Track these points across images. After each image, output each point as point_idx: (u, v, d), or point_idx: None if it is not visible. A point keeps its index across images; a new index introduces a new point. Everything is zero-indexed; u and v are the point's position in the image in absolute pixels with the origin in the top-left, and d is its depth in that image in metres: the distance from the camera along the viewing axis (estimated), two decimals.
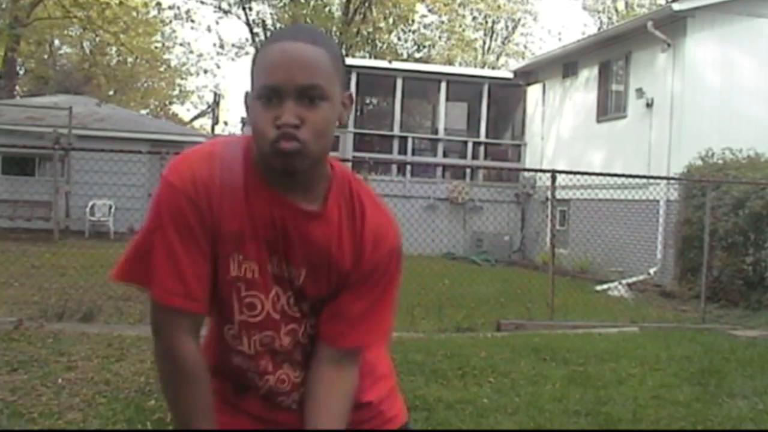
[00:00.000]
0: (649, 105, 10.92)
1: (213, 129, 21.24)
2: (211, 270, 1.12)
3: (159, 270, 1.10)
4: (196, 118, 29.57)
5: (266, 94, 1.06)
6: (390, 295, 1.20)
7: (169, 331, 1.12)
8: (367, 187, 1.21)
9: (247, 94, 1.12)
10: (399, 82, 15.01)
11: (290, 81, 1.04)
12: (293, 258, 1.14)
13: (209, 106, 25.67)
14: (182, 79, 28.92)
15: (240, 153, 1.13)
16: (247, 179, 1.12)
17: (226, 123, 27.92)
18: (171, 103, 29.95)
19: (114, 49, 22.80)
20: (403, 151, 14.89)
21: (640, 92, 11.08)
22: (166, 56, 26.88)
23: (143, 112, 26.16)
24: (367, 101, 21.69)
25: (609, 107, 12.29)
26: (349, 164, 13.92)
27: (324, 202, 1.14)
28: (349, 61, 18.05)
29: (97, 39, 20.87)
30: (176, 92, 29.71)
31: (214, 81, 44.85)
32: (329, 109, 1.08)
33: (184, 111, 33.11)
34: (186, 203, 1.09)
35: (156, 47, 24.75)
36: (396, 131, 15.11)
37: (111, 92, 25.28)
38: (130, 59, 23.70)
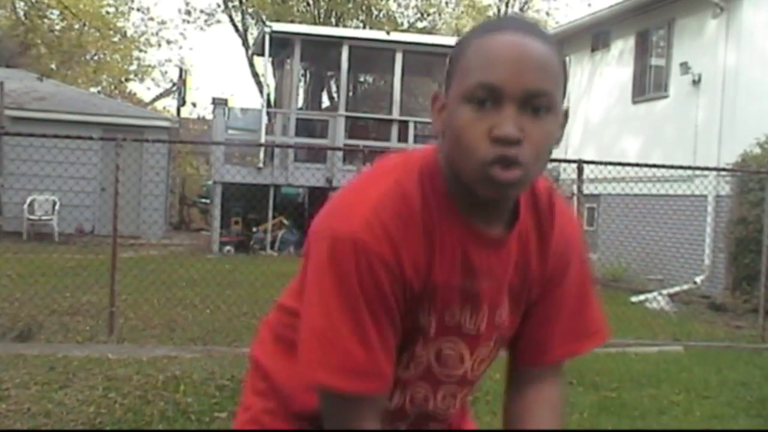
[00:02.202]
0: (695, 82, 10.90)
1: (179, 111, 21.26)
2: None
3: (344, 349, 1.02)
4: (158, 98, 29.49)
5: (480, 95, 0.99)
6: (589, 287, 1.23)
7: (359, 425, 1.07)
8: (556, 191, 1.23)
9: (436, 96, 1.08)
10: (398, 57, 14.99)
11: (518, 81, 0.98)
12: (498, 299, 1.15)
13: (174, 84, 25.61)
14: (141, 51, 28.85)
15: (421, 179, 1.08)
16: (448, 214, 1.08)
17: (194, 104, 27.89)
18: (127, 80, 29.83)
19: (56, 13, 22.66)
20: (403, 138, 14.86)
21: (685, 67, 11.05)
22: (120, 23, 26.82)
23: (94, 90, 26.06)
24: (361, 79, 21.68)
25: (647, 85, 12.28)
26: (340, 153, 13.97)
27: (512, 221, 1.13)
28: (339, 31, 18.12)
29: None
30: (134, 67, 29.62)
31: (179, 54, 44.79)
32: (554, 125, 1.03)
33: (143, 90, 33.16)
34: (381, 268, 1.02)
35: (108, 12, 24.70)
36: (395, 115, 15.09)
37: (54, 65, 25.18)
38: (76, 25, 23.59)
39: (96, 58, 28.07)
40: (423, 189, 1.07)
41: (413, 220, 1.05)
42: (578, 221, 1.25)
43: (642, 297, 9.65)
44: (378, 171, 1.10)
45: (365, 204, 1.03)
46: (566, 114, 1.10)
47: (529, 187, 1.13)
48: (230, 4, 24.15)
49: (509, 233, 1.12)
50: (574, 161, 7.41)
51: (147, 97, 30.49)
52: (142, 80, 30.48)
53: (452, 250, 1.08)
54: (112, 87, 28.95)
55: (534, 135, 1.00)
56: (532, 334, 1.20)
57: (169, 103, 29.25)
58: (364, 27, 23.83)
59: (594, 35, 13.68)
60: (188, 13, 26.58)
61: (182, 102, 21.21)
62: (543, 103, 1.00)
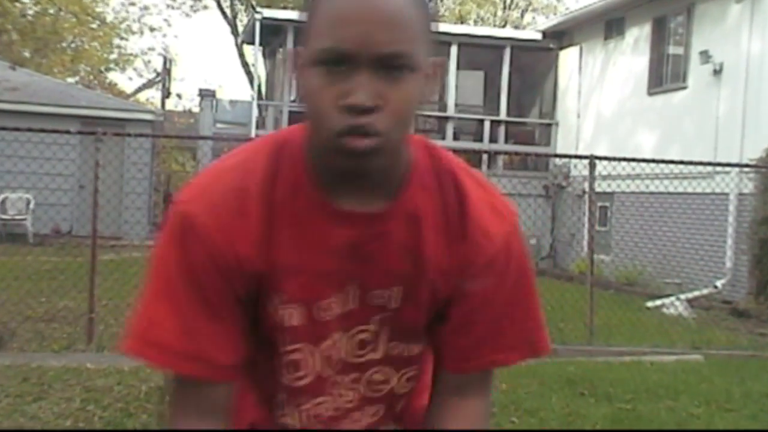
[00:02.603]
0: (717, 72, 10.90)
1: (163, 103, 21.21)
2: (244, 326, 1.09)
3: (160, 324, 1.07)
4: (140, 89, 29.46)
5: (330, 61, 0.97)
6: (524, 292, 1.16)
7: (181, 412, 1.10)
8: (468, 166, 1.16)
9: (295, 52, 1.05)
10: None
11: (369, 44, 0.96)
12: (373, 280, 1.10)
13: (158, 75, 25.60)
14: (122, 38, 28.82)
15: (276, 154, 1.08)
16: (296, 188, 1.07)
17: (179, 96, 27.84)
18: (108, 69, 29.78)
19: None
20: None
21: (705, 56, 11.05)
22: (99, 9, 26.76)
23: (71, 80, 26.02)
24: None
25: (664, 75, 12.28)
26: None
27: (393, 198, 1.08)
28: None
29: None
30: (114, 56, 29.58)
31: (163, 42, 44.70)
32: (416, 84, 1.00)
33: (125, 80, 33.13)
34: (201, 245, 1.04)
35: None
36: None
37: (27, 53, 25.12)
38: (51, 10, 23.53)
39: (73, 45, 27.98)
40: (274, 164, 1.07)
41: (251, 198, 1.05)
42: (512, 217, 1.15)
43: (658, 302, 9.65)
44: (240, 148, 1.12)
45: (204, 180, 1.08)
46: (441, 64, 1.08)
47: (431, 164, 1.11)
48: None
49: (385, 211, 1.07)
50: (585, 157, 7.41)
51: (129, 88, 30.46)
52: (123, 70, 30.39)
53: (303, 229, 1.06)
54: (91, 77, 28.88)
55: (392, 99, 0.97)
56: (454, 339, 1.15)
57: (153, 95, 29.22)
58: None
59: (607, 22, 13.68)
60: None
61: (167, 93, 21.18)
62: (400, 63, 0.98)
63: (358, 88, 0.96)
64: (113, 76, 30.95)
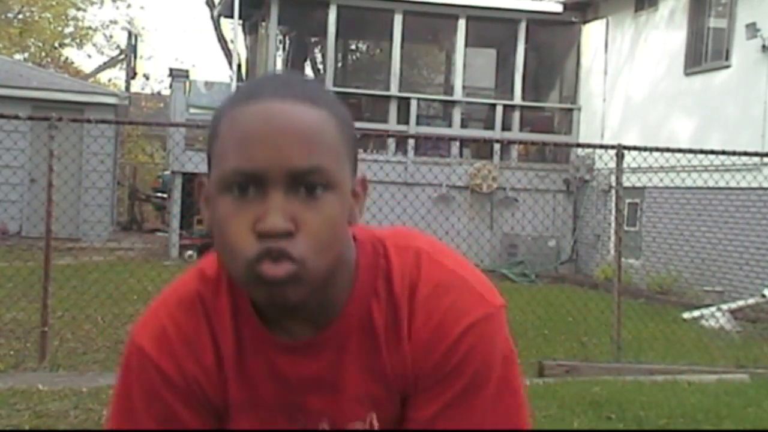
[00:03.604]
0: (765, 48, 10.88)
1: (128, 85, 21.19)
2: None
3: None
4: (101, 68, 29.41)
5: (238, 183, 1.00)
6: (484, 399, 1.13)
7: None
8: (436, 246, 1.18)
9: (201, 183, 1.11)
10: (398, 20, 14.96)
11: (278, 161, 0.99)
12: (344, 413, 1.15)
13: (122, 52, 25.57)
14: (78, 9, 28.74)
15: (225, 281, 1.16)
16: (240, 319, 1.15)
17: (146, 77, 27.90)
18: (62, 45, 29.66)
19: None
20: (403, 119, 14.84)
21: (752, 29, 11.02)
22: None
23: (19, 57, 25.91)
24: (353, 47, 21.64)
25: (704, 53, 12.26)
26: None
27: (340, 316, 1.12)
28: None
29: None
30: (70, 29, 29.49)
31: (127, 14, 44.66)
32: (337, 203, 1.04)
33: (83, 58, 32.99)
34: (158, 376, 1.14)
35: None
36: (393, 90, 15.08)
37: None
38: None
39: (21, 17, 27.90)
40: (215, 290, 1.15)
41: (199, 327, 1.14)
42: (484, 305, 1.13)
43: (697, 313, 9.64)
44: (185, 272, 1.22)
45: (155, 308, 1.19)
46: (364, 184, 1.12)
47: (378, 264, 1.14)
48: None
49: (318, 336, 1.12)
50: (612, 147, 7.39)
51: (88, 67, 30.39)
52: (80, 46, 30.26)
53: (252, 361, 1.13)
54: (43, 54, 28.71)
55: (309, 222, 1.00)
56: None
57: (116, 75, 29.17)
58: None
59: None
60: None
61: (132, 74, 21.16)
62: (317, 181, 1.01)
63: (270, 212, 0.99)
64: (69, 52, 30.79)
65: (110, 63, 28.88)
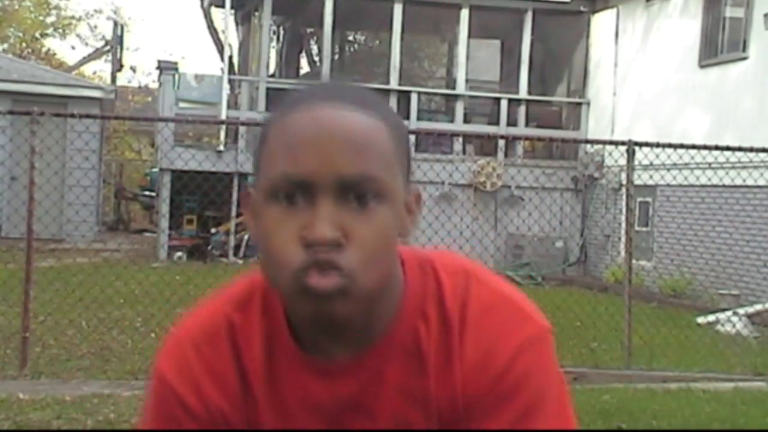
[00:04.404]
0: None
1: (114, 78, 21.17)
2: None
3: None
4: (86, 60, 29.38)
5: (286, 190, 1.02)
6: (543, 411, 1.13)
7: None
8: (481, 269, 1.18)
9: (248, 193, 1.12)
10: (398, 10, 14.96)
11: (328, 169, 1.00)
12: None
13: (107, 43, 25.56)
14: None
15: (257, 301, 1.17)
16: (271, 341, 1.15)
17: (133, 69, 27.86)
18: (44, 35, 29.68)
19: None
20: (403, 114, 14.80)
21: None
22: None
23: None
24: (350, 38, 21.65)
25: (720, 44, 12.27)
26: None
27: (384, 337, 1.13)
28: None
29: None
30: (52, 18, 29.49)
31: (112, 3, 44.62)
32: (390, 215, 1.04)
33: (66, 49, 32.92)
34: (179, 406, 1.15)
35: None
36: (393, 84, 15.09)
37: None
38: None
39: (0, 5, 27.89)
40: (246, 313, 1.16)
41: (224, 356, 1.15)
42: (533, 327, 1.14)
43: (712, 317, 9.66)
44: (213, 295, 1.21)
45: (176, 335, 1.19)
46: (418, 197, 1.13)
47: (428, 285, 1.15)
48: None
49: (357, 357, 1.12)
50: (622, 143, 7.39)
51: (71, 58, 30.36)
52: (63, 36, 30.30)
53: (285, 386, 1.14)
54: (24, 45, 28.72)
55: (360, 233, 1.01)
56: None
57: (102, 68, 29.17)
58: None
59: None
60: None
61: (118, 66, 21.13)
62: (368, 190, 1.01)
63: (319, 221, 0.99)
64: (51, 43, 30.79)
65: (95, 55, 28.85)
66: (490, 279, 1.17)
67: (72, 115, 8.45)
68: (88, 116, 8.85)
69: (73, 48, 41.27)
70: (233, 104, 14.98)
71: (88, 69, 29.51)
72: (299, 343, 1.13)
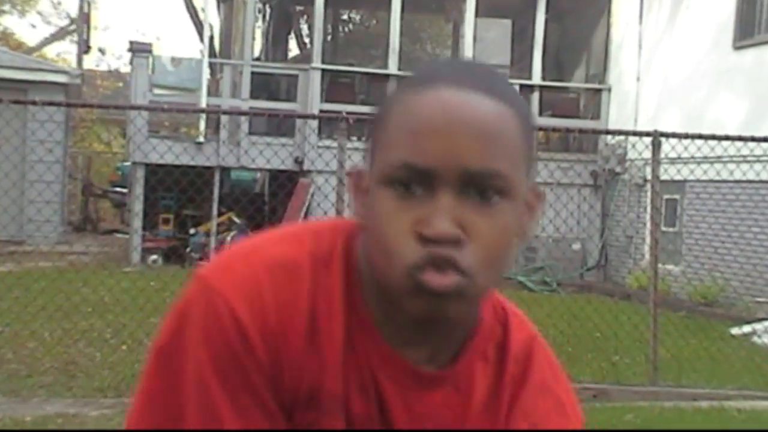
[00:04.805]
0: None
1: (80, 61, 21.13)
2: None
3: None
4: (49, 41, 29.40)
5: (405, 178, 1.03)
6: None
7: None
8: (542, 340, 1.25)
9: (359, 173, 1.13)
10: None
11: (453, 161, 1.02)
12: None
13: (72, 22, 25.53)
14: None
15: (339, 264, 1.13)
16: (349, 315, 1.12)
17: (102, 51, 27.85)
18: (0, 12, 29.70)
19: None
20: None
21: None
22: None
23: None
24: (344, 17, 21.64)
25: (757, 22, 12.27)
26: (315, 123, 13.90)
27: (454, 357, 1.16)
28: None
29: None
30: None
31: None
32: (512, 213, 1.06)
33: (25, 28, 32.88)
34: (245, 346, 1.07)
35: None
36: (392, 68, 15.12)
37: None
38: None
39: None
40: (347, 282, 1.12)
41: (300, 295, 1.09)
42: (578, 422, 1.26)
43: (747, 328, 9.69)
44: (277, 236, 1.16)
45: (246, 271, 1.10)
46: (539, 195, 1.14)
47: (497, 329, 1.19)
48: None
49: (437, 375, 1.14)
50: (647, 134, 7.41)
51: (32, 39, 30.40)
52: (22, 14, 30.32)
53: (359, 371, 1.12)
54: None
55: (481, 231, 1.02)
56: None
57: (66, 49, 29.20)
58: None
59: None
60: None
61: (85, 48, 21.08)
62: (493, 186, 1.03)
63: (440, 214, 1.01)
64: (9, 22, 30.82)
65: (59, 35, 28.86)
66: (550, 353, 1.24)
67: (33, 103, 8.44)
68: (51, 104, 8.83)
69: (33, 27, 41.33)
70: (214, 91, 14.96)
71: (51, 51, 29.56)
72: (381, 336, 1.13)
